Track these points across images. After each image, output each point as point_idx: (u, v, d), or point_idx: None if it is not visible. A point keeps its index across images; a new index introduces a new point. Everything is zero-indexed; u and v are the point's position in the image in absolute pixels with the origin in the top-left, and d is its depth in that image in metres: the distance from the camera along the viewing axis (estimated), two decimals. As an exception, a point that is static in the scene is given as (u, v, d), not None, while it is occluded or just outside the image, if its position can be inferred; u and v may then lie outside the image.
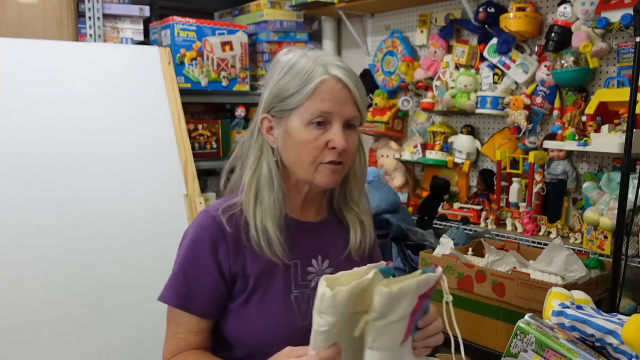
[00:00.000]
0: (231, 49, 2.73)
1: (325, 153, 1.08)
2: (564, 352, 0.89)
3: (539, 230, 2.13)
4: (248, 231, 1.10)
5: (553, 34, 2.12)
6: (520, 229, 2.17)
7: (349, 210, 1.21)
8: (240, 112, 2.85)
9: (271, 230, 1.09)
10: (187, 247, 1.12)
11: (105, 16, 2.55)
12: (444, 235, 2.00)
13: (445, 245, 1.93)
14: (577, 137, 1.94)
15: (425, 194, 2.62)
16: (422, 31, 2.67)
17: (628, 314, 0.94)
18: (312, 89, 1.05)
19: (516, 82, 2.31)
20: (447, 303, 0.93)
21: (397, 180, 2.75)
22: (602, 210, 1.85)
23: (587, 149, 1.90)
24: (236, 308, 1.12)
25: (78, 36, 2.50)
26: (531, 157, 2.12)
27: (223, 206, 1.12)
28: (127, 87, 2.32)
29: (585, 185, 1.98)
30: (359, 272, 0.88)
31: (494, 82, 2.36)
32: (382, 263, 0.91)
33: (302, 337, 0.99)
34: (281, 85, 1.08)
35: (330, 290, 0.81)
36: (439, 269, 0.91)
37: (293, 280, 1.13)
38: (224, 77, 2.71)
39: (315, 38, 3.15)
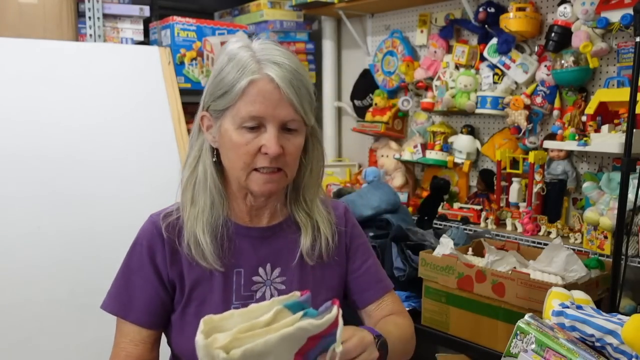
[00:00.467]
0: (231, 49, 2.73)
1: (258, 158, 0.99)
2: (564, 352, 0.89)
3: (539, 230, 2.13)
4: (182, 236, 1.04)
5: (553, 34, 2.11)
6: (520, 229, 2.17)
7: (299, 210, 1.11)
8: (240, 112, 2.85)
9: (201, 235, 1.03)
10: (128, 253, 1.09)
11: (105, 16, 2.55)
12: (444, 235, 2.00)
13: (445, 245, 1.93)
14: (577, 137, 1.94)
15: (425, 194, 2.62)
16: (422, 31, 2.67)
17: (628, 314, 0.94)
18: (241, 89, 0.97)
19: (516, 82, 2.31)
20: (334, 351, 0.76)
21: (397, 180, 2.75)
22: (602, 210, 1.85)
23: (587, 149, 1.90)
24: (176, 320, 1.06)
25: (78, 36, 2.50)
26: (531, 157, 2.12)
27: (167, 210, 1.09)
28: (127, 87, 2.31)
29: (585, 185, 1.98)
30: (258, 310, 0.74)
31: (494, 82, 2.36)
32: (295, 294, 0.76)
33: None
34: (217, 82, 1.01)
35: (204, 339, 0.68)
36: (334, 310, 0.74)
37: (234, 291, 1.05)
38: (224, 77, 2.70)
39: (315, 38, 3.14)
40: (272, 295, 1.06)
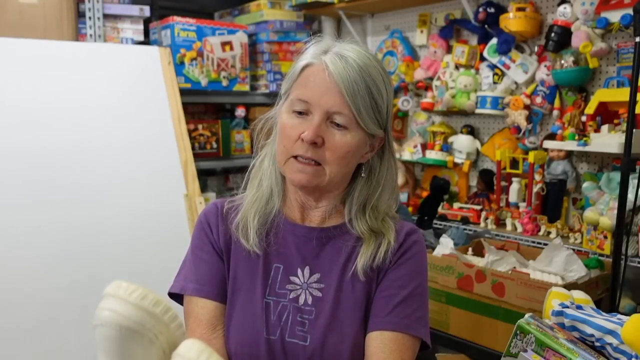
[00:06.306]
0: (231, 49, 2.73)
1: (297, 145, 0.96)
2: (564, 352, 0.89)
3: (539, 230, 2.13)
4: (238, 215, 1.05)
5: (553, 34, 2.12)
6: (520, 229, 2.17)
7: (362, 220, 1.04)
8: (240, 112, 2.85)
9: (251, 218, 1.03)
10: (193, 233, 1.10)
11: (105, 16, 2.54)
12: (444, 235, 2.00)
13: (445, 245, 1.93)
14: (577, 137, 1.94)
15: (425, 194, 2.62)
16: (422, 31, 2.67)
17: (628, 314, 0.94)
18: (297, 73, 0.99)
19: (516, 82, 2.31)
20: None
21: (397, 180, 2.74)
22: (601, 210, 1.85)
23: (587, 149, 1.90)
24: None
25: (78, 36, 2.49)
26: (531, 157, 2.12)
27: (236, 197, 1.10)
28: (127, 87, 2.32)
29: (585, 185, 1.98)
30: None
31: (494, 82, 2.36)
32: None
33: (267, 350, 0.97)
34: (288, 72, 1.03)
35: None
36: None
37: (269, 285, 1.02)
38: (224, 77, 2.71)
39: (315, 38, 3.14)
40: (306, 300, 1.01)
